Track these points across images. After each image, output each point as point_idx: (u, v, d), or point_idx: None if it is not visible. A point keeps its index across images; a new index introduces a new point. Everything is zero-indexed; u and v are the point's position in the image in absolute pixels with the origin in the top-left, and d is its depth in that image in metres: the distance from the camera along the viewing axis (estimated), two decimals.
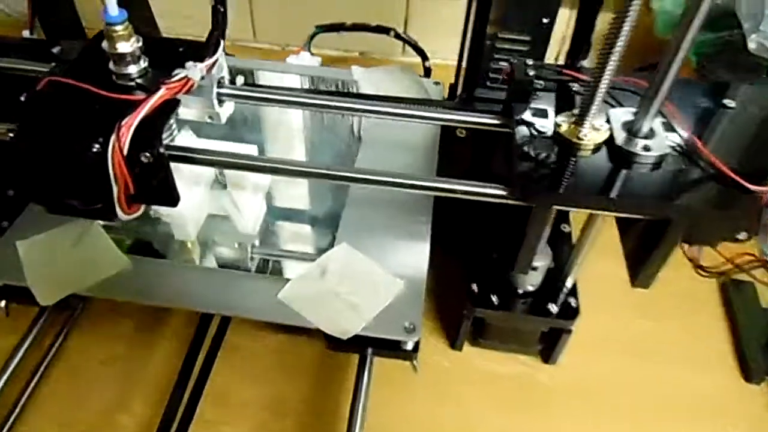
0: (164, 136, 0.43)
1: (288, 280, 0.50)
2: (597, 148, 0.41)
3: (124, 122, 0.39)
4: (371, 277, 0.50)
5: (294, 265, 0.57)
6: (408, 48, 0.80)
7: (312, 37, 0.79)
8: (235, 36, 0.95)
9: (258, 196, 0.57)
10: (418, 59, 0.78)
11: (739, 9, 0.60)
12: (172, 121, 0.45)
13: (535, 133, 0.42)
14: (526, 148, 0.41)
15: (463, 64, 0.61)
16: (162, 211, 0.53)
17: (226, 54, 0.48)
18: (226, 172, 0.56)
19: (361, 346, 0.49)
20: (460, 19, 0.61)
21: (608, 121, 0.42)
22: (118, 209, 0.41)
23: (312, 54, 0.75)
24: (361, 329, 0.46)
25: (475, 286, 0.55)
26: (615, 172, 0.40)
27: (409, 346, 0.49)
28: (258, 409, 0.55)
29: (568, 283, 0.54)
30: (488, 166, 0.53)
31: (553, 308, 0.53)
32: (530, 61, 0.46)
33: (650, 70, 0.40)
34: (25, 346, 0.53)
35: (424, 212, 0.55)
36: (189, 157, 0.44)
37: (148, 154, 0.40)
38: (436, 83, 0.66)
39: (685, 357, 0.61)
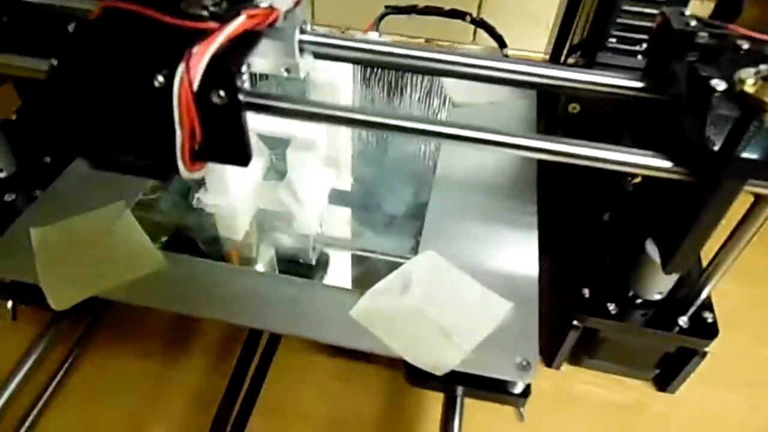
0: (241, 74, 0.34)
1: (362, 292, 0.40)
2: None
3: (195, 50, 0.30)
4: (468, 294, 0.40)
5: (366, 274, 0.46)
6: (479, 35, 0.72)
7: (381, 17, 0.72)
8: None
9: (322, 187, 0.48)
10: (489, 47, 0.70)
11: None
12: (249, 60, 0.36)
13: (711, 92, 0.33)
14: (702, 112, 0.32)
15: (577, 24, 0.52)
16: (207, 201, 0.45)
17: None
18: (289, 159, 0.45)
19: (451, 382, 0.38)
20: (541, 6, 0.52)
21: None
22: (180, 163, 0.33)
23: (380, 35, 0.68)
24: (460, 364, 0.36)
25: (586, 291, 0.45)
26: None
27: (518, 389, 0.38)
28: (317, 428, 0.46)
29: (703, 295, 0.45)
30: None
31: (684, 322, 0.44)
32: (684, 10, 0.38)
33: None
34: (34, 357, 0.44)
35: (528, 203, 0.46)
36: (269, 106, 0.35)
37: (222, 94, 0.31)
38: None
39: None
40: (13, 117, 0.57)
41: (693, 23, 0.37)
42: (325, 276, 0.45)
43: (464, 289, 0.40)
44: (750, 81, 0.33)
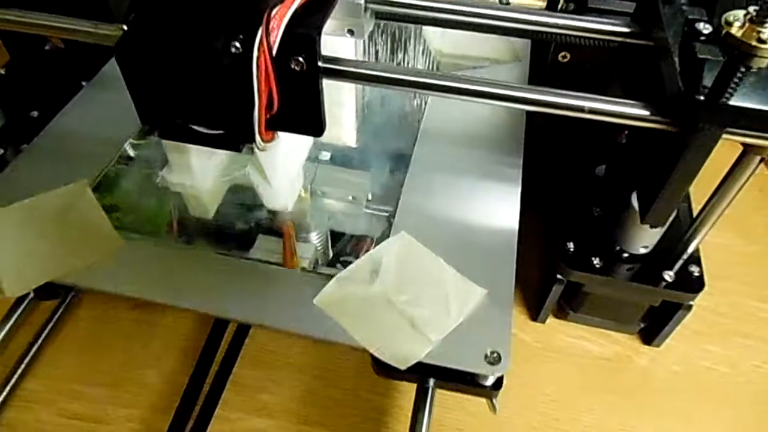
0: (320, 39, 0.30)
1: (329, 278, 0.37)
2: None
3: (274, 13, 0.28)
4: (440, 279, 0.37)
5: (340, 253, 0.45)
6: None
7: None
8: None
9: (293, 166, 0.44)
10: None
11: None
12: (326, 23, 0.32)
13: (696, 36, 0.31)
14: (685, 56, 0.31)
15: None
16: (171, 179, 0.42)
17: None
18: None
19: (421, 374, 0.36)
20: None
21: None
22: (257, 131, 0.31)
23: None
24: (426, 356, 0.34)
25: (571, 245, 0.45)
26: None
27: (489, 382, 0.35)
28: (301, 376, 0.47)
29: (690, 248, 0.44)
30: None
31: (669, 276, 0.43)
32: None
33: None
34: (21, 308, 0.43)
35: (510, 190, 0.43)
36: (346, 71, 0.32)
37: (301, 60, 0.29)
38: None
39: None
40: (1, 72, 0.57)
41: None
42: (296, 256, 0.43)
43: (436, 275, 0.38)
44: (737, 24, 0.31)
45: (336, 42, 0.36)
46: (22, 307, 0.43)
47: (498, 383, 0.36)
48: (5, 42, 0.56)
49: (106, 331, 0.50)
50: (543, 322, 0.50)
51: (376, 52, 0.59)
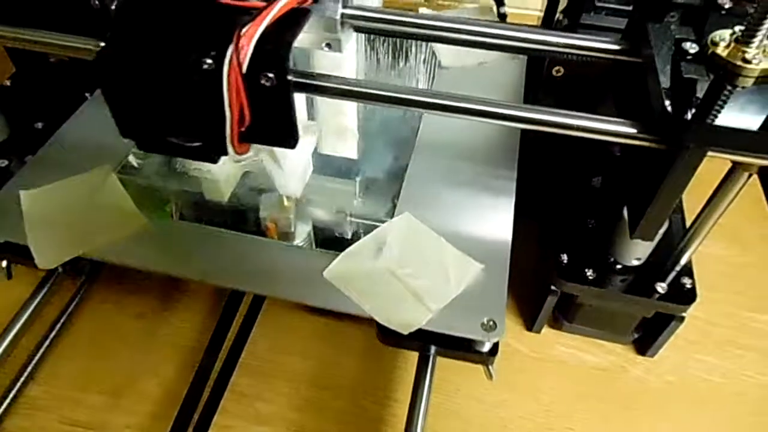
0: (289, 55, 0.32)
1: (336, 254, 0.40)
2: (763, 77, 0.31)
3: (244, 31, 0.29)
4: (440, 256, 0.41)
5: (344, 234, 0.47)
6: None
7: None
8: None
9: (303, 153, 0.46)
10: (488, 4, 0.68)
11: None
12: (297, 39, 0.33)
13: (683, 56, 0.32)
14: (672, 75, 0.31)
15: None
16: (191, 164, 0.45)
17: None
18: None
19: (423, 341, 0.39)
20: None
21: None
22: (229, 144, 0.32)
23: None
24: (426, 323, 0.37)
25: (565, 257, 0.46)
26: None
27: (486, 348, 0.39)
28: (299, 385, 0.48)
29: (683, 260, 0.44)
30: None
31: (662, 288, 0.44)
32: None
33: None
34: (29, 310, 0.47)
35: (508, 168, 0.46)
36: (317, 85, 0.34)
37: (271, 75, 0.30)
38: None
39: None
40: (7, 83, 0.58)
41: None
42: (305, 237, 0.46)
43: (437, 251, 0.41)
44: (723, 44, 0.32)
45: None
46: (50, 282, 0.47)
47: (494, 349, 0.39)
48: (10, 54, 0.58)
49: (107, 339, 0.51)
50: (538, 332, 0.51)
51: (378, 60, 0.60)
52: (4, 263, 0.45)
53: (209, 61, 0.29)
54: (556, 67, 0.46)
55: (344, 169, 0.50)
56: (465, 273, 0.40)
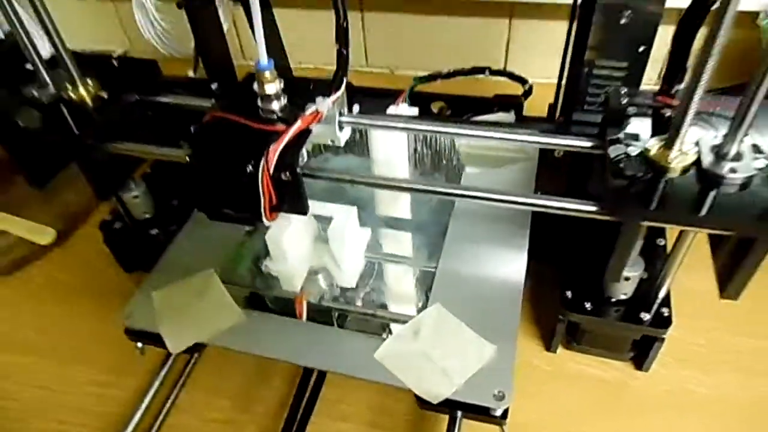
0: (299, 159, 0.50)
1: (383, 339, 0.53)
2: (686, 170, 0.45)
3: (270, 148, 0.47)
4: (463, 340, 0.52)
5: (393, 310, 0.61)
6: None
7: (411, 89, 0.83)
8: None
9: (358, 249, 0.61)
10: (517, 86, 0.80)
11: None
12: (305, 147, 0.53)
13: (628, 154, 0.46)
14: (618, 168, 0.45)
15: (563, 87, 0.66)
16: (271, 267, 0.59)
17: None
18: (329, 233, 0.58)
19: (451, 408, 0.51)
20: (560, 41, 0.65)
21: (698, 144, 0.45)
22: (263, 216, 0.50)
23: (410, 105, 0.80)
24: (452, 394, 0.49)
25: (569, 293, 0.59)
26: (702, 193, 0.43)
27: (498, 413, 0.50)
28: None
29: (661, 294, 0.57)
30: (583, 184, 0.57)
31: (645, 317, 0.57)
32: (624, 89, 0.51)
33: None
34: (161, 376, 0.62)
35: (515, 267, 0.59)
36: (318, 175, 0.52)
37: (288, 173, 0.48)
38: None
39: None
40: (148, 171, 0.76)
41: (625, 101, 0.50)
42: (361, 320, 0.60)
43: (460, 335, 0.53)
44: (654, 148, 0.46)
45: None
46: (171, 359, 0.63)
47: (504, 414, 0.50)
48: None
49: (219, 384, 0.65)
50: (554, 351, 0.64)
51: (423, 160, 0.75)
52: (140, 345, 0.58)
53: (251, 167, 0.47)
54: (557, 150, 0.61)
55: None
56: (482, 354, 0.51)
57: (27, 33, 0.54)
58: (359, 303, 0.63)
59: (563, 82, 0.64)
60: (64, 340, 0.71)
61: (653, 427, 0.58)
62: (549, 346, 0.64)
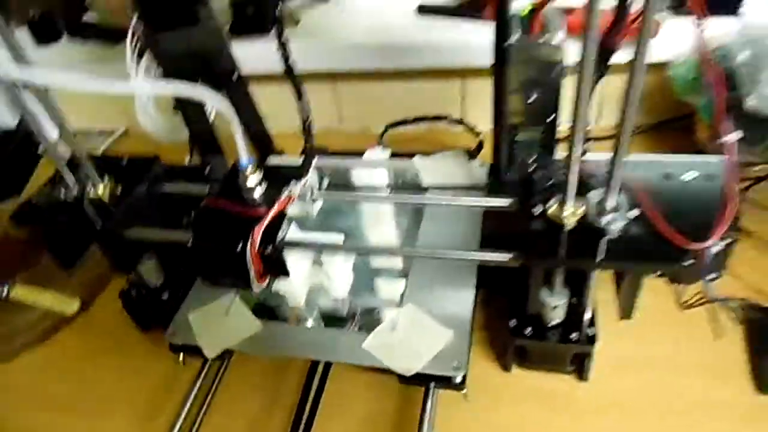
0: (278, 235, 0.64)
1: (368, 333, 0.70)
2: (579, 223, 0.57)
3: (255, 230, 0.61)
4: (429, 329, 0.69)
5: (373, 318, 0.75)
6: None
7: (382, 134, 1.00)
8: (325, 124, 1.18)
9: (347, 267, 0.75)
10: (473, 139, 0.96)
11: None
12: (283, 224, 0.66)
13: (532, 214, 0.58)
14: (525, 225, 0.58)
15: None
16: (281, 286, 0.73)
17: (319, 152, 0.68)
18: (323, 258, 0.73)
19: (424, 380, 0.66)
20: None
21: (586, 201, 0.58)
22: (253, 283, 0.64)
23: (383, 147, 0.93)
24: (421, 368, 0.65)
25: (513, 321, 0.71)
26: (590, 241, 0.56)
27: (458, 380, 0.65)
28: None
29: (586, 316, 0.69)
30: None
31: (575, 337, 0.68)
32: (532, 159, 0.63)
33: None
34: (200, 380, 0.76)
35: (468, 278, 0.74)
36: (293, 246, 0.64)
37: (270, 248, 0.62)
38: (482, 165, 0.81)
39: (700, 370, 0.72)
40: None
41: (532, 168, 0.62)
42: (351, 322, 0.76)
43: (427, 326, 0.69)
44: (551, 206, 0.58)
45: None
46: (208, 364, 0.77)
47: (462, 381, 0.64)
48: None
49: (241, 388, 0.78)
50: (509, 370, 0.76)
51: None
52: (181, 356, 0.75)
53: (239, 247, 0.60)
54: None
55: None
56: (443, 338, 0.67)
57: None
58: (349, 309, 0.79)
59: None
60: (92, 395, 0.83)
61: (598, 427, 0.70)
62: (505, 367, 0.76)
